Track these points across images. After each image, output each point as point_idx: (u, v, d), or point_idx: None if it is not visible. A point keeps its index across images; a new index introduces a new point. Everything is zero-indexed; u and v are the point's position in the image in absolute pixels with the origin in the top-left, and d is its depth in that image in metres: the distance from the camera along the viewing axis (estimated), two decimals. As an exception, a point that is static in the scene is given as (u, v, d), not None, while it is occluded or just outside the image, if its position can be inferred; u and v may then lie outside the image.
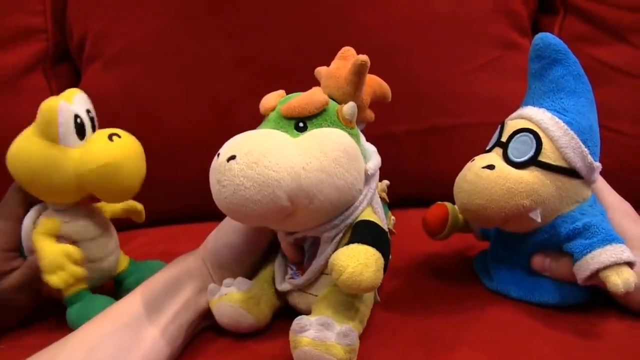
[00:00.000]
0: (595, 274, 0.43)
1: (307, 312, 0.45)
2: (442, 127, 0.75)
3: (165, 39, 0.75)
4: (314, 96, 0.44)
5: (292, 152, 0.41)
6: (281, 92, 0.46)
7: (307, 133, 0.43)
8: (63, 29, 0.82)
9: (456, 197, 0.48)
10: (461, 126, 0.75)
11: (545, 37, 0.48)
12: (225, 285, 0.47)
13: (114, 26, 0.77)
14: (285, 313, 0.48)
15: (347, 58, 0.47)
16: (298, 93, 0.45)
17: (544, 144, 0.45)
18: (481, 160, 0.47)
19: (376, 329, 0.47)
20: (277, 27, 0.74)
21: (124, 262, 0.55)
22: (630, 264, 0.43)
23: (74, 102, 0.48)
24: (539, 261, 0.48)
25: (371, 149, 0.48)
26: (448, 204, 0.55)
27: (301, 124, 0.43)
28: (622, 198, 0.50)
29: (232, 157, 0.40)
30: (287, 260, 0.48)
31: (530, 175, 0.45)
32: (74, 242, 0.50)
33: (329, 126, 0.44)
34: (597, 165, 0.46)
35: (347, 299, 0.44)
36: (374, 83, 0.49)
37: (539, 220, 0.45)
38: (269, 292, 0.48)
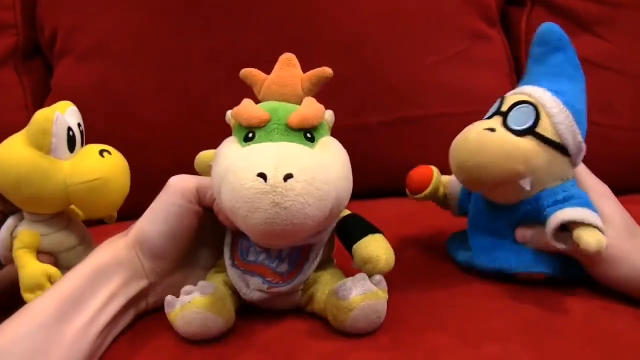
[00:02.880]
0: (565, 233, 0.45)
1: (291, 311, 0.47)
2: (412, 117, 0.76)
3: (137, 33, 0.75)
4: (318, 106, 0.45)
5: (328, 164, 0.42)
6: (250, 101, 0.45)
7: (319, 143, 0.44)
8: (33, 24, 0.82)
9: (454, 157, 0.49)
10: (431, 117, 0.76)
11: (552, 26, 0.51)
12: (185, 293, 0.45)
13: (86, 20, 0.77)
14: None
15: (294, 65, 0.47)
16: (275, 103, 0.45)
17: (541, 117, 0.47)
18: (482, 123, 0.48)
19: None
20: (248, 20, 0.74)
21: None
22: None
23: (67, 114, 0.48)
24: (521, 232, 0.50)
25: None
26: (433, 167, 0.56)
27: (309, 135, 0.43)
28: (600, 181, 0.52)
29: (290, 176, 0.39)
30: (243, 270, 0.47)
31: (528, 143, 0.46)
32: (53, 254, 0.50)
33: (325, 134, 0.45)
34: (584, 146, 0.49)
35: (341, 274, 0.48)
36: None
37: (528, 188, 0.47)
38: (229, 291, 0.47)
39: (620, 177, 0.72)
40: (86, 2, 0.77)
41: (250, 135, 0.43)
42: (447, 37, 0.78)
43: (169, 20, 0.75)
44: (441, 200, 0.57)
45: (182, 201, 0.46)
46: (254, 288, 0.46)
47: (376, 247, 0.45)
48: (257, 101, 0.46)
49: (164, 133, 0.75)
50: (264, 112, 0.43)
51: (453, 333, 0.44)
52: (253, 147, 0.42)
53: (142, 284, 0.47)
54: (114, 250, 0.46)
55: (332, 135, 0.46)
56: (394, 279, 0.51)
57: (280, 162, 0.40)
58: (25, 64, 0.82)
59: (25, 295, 0.47)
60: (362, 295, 0.43)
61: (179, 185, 0.47)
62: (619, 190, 0.53)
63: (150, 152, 0.75)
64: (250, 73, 0.47)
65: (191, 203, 0.46)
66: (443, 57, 0.77)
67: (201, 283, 0.45)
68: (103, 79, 0.76)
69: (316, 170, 0.40)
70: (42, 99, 0.81)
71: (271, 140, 0.42)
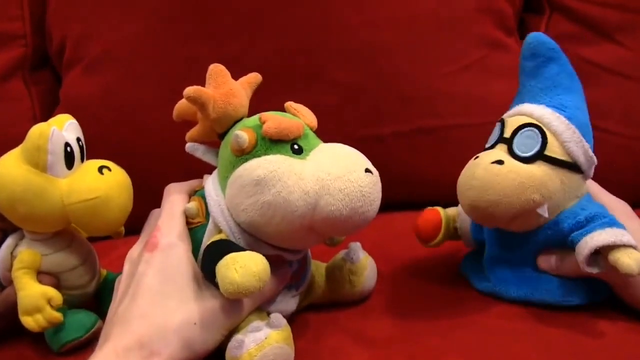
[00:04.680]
0: (596, 256, 0.42)
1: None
2: (428, 128, 0.74)
3: (145, 42, 0.74)
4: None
5: None
6: (277, 114, 0.44)
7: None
8: (42, 34, 0.81)
9: (463, 196, 0.47)
10: (447, 127, 0.74)
11: (539, 36, 0.49)
12: (254, 330, 0.40)
13: (94, 30, 0.76)
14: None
15: (228, 74, 0.46)
16: (272, 112, 0.45)
17: (548, 139, 0.45)
18: (488, 156, 0.46)
19: (362, 334, 0.46)
20: (259, 28, 0.73)
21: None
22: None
23: (65, 129, 0.46)
24: (545, 260, 0.48)
25: None
26: (439, 209, 0.54)
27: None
28: (618, 198, 0.50)
29: (369, 170, 0.41)
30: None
31: (539, 170, 0.45)
32: (54, 274, 0.48)
33: None
34: (595, 159, 0.47)
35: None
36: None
37: (546, 215, 0.45)
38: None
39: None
40: (94, 12, 0.76)
41: (297, 146, 0.42)
42: (463, 45, 0.76)
43: (177, 28, 0.74)
44: (452, 234, 0.55)
45: None
46: (291, 297, 0.46)
47: None
48: (203, 126, 0.47)
49: (172, 142, 0.73)
50: (299, 121, 0.44)
51: (473, 356, 0.43)
52: (323, 153, 0.42)
53: None
54: None
55: (348, 144, 0.45)
56: (411, 297, 0.50)
57: (358, 159, 0.42)
58: (33, 75, 0.81)
59: (23, 319, 0.45)
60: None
61: None
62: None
63: (158, 161, 0.73)
64: (200, 92, 0.44)
65: None
66: (459, 66, 0.75)
67: (274, 316, 0.41)
68: (111, 88, 0.75)
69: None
70: (51, 110, 0.79)
71: (315, 145, 0.43)
